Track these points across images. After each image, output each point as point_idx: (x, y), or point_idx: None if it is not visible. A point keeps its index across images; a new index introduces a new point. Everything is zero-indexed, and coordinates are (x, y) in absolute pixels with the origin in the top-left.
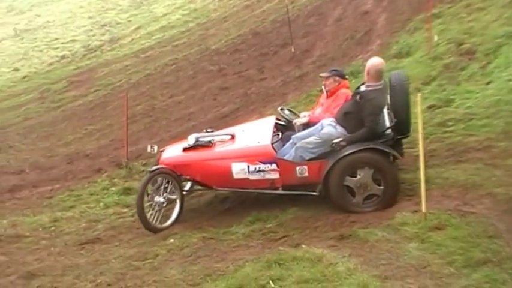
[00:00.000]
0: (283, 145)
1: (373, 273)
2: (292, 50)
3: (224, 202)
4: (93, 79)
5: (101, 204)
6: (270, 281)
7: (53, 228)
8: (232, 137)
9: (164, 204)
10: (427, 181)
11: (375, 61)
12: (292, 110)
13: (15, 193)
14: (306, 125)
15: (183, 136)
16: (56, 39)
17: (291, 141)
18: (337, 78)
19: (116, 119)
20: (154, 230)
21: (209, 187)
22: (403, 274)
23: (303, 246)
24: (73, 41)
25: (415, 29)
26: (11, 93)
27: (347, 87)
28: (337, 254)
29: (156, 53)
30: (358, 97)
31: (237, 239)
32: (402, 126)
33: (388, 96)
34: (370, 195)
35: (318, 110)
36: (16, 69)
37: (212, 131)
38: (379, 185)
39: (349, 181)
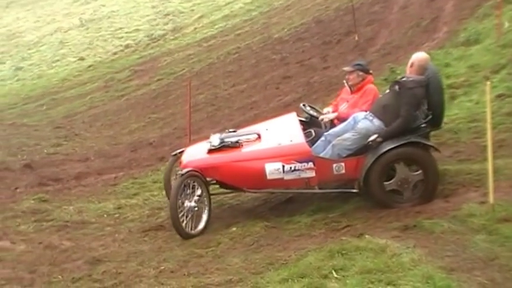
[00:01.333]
0: (313, 143)
1: (438, 264)
2: (356, 38)
3: None
4: (156, 68)
5: (164, 192)
6: (333, 271)
7: (117, 215)
8: (258, 136)
9: (196, 209)
10: (495, 172)
11: (420, 55)
12: (313, 106)
13: (81, 180)
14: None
15: (245, 125)
16: (120, 28)
17: (323, 138)
18: (360, 73)
19: (178, 108)
20: (188, 237)
21: (238, 189)
22: (470, 266)
23: (366, 236)
24: (137, 30)
25: (484, 16)
26: (77, 82)
27: (372, 83)
28: (401, 245)
29: (219, 42)
30: (397, 87)
31: (299, 228)
32: (436, 119)
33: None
34: (415, 184)
35: (344, 106)
36: (81, 59)
37: (234, 131)
38: (415, 170)
39: (391, 185)
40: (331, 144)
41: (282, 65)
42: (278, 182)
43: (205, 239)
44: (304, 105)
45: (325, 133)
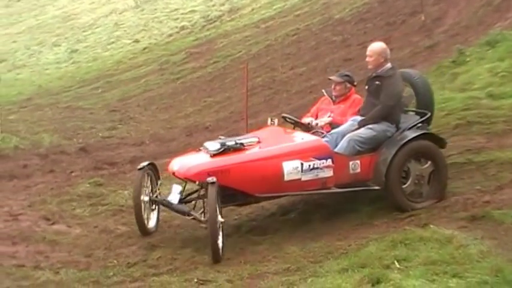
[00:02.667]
0: None
1: (508, 257)
2: (422, 18)
3: None
4: (212, 50)
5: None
6: (395, 261)
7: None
8: (259, 140)
9: (221, 224)
10: None
11: (377, 44)
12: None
13: (136, 164)
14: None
15: (304, 110)
16: (176, 9)
17: (328, 137)
18: (348, 85)
19: (235, 91)
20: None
21: (249, 196)
22: None
23: (431, 226)
24: (192, 11)
25: None
26: (132, 65)
27: (355, 93)
28: (469, 236)
29: (277, 23)
30: (377, 82)
31: (360, 217)
32: (430, 118)
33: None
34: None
35: (328, 116)
36: (136, 41)
37: (225, 138)
38: (424, 164)
39: (410, 186)
40: (346, 138)
41: (343, 47)
42: (295, 184)
43: (263, 226)
44: (284, 116)
45: (331, 132)
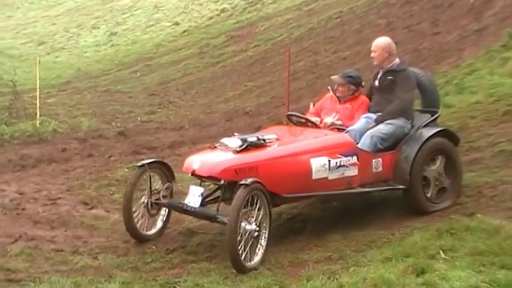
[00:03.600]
0: None
1: None
2: (471, 0)
3: None
4: (253, 34)
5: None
6: (441, 251)
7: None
8: (278, 137)
9: (256, 234)
10: None
11: (381, 39)
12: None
13: (175, 149)
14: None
15: None
16: None
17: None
18: (352, 86)
19: (276, 76)
20: (244, 271)
21: (274, 197)
22: None
23: (478, 215)
24: None
25: None
26: (172, 48)
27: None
28: None
29: (320, 6)
30: (390, 77)
31: (404, 205)
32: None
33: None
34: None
35: (334, 116)
36: (176, 24)
37: (241, 135)
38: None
39: (432, 192)
40: (368, 134)
41: (388, 30)
42: (322, 183)
43: (304, 214)
44: (289, 114)
45: (348, 129)
